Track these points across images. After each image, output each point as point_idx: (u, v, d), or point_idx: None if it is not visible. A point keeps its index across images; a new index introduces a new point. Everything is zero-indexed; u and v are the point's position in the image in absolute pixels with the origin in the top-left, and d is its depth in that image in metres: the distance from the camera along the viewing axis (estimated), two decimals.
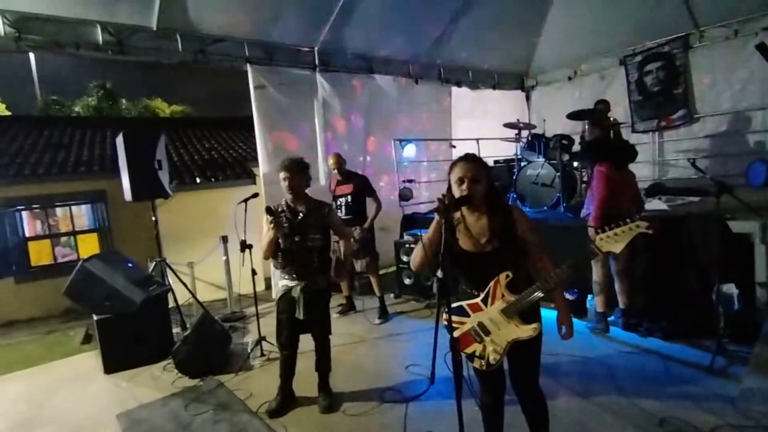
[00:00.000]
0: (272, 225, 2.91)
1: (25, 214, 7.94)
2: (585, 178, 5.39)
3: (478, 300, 2.00)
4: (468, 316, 2.03)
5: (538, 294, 1.89)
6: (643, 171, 6.86)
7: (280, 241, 3.00)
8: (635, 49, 7.14)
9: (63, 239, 8.56)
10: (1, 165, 7.85)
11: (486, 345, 2.00)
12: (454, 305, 2.06)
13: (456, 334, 2.04)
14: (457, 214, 2.06)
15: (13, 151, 8.82)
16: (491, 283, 1.96)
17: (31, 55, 21.88)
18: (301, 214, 3.05)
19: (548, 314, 2.04)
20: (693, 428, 2.53)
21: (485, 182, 2.00)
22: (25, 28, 4.21)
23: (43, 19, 4.28)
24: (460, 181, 1.99)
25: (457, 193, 2.00)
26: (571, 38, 7.58)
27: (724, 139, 6.33)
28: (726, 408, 2.68)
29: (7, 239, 7.49)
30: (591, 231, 3.66)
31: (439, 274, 1.98)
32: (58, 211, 8.42)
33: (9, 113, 19.36)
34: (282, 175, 3.00)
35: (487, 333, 1.99)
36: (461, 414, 2.01)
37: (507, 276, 1.93)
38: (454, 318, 2.05)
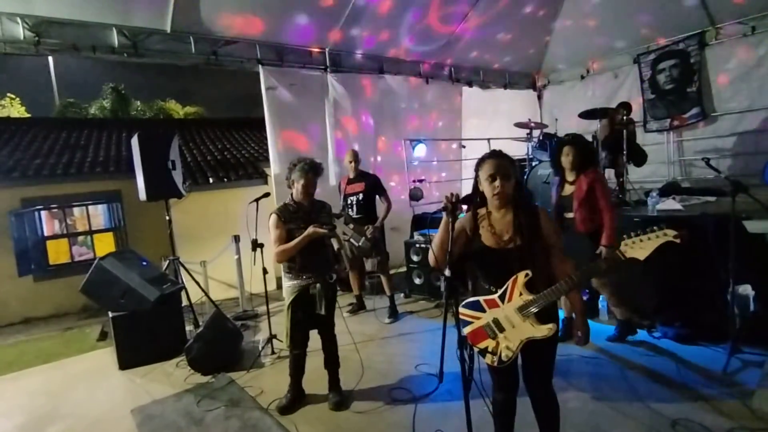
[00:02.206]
0: (316, 231, 2.94)
1: (43, 213, 8.14)
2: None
3: (495, 296, 2.00)
4: (484, 311, 2.03)
5: (556, 295, 1.89)
6: (658, 170, 6.79)
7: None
8: (649, 46, 7.04)
9: (80, 238, 8.76)
10: (21, 166, 8.05)
11: (499, 342, 2.00)
12: (470, 300, 2.07)
13: (470, 328, 2.05)
14: (483, 210, 2.07)
15: (33, 152, 9.04)
16: (509, 281, 1.95)
17: (50, 59, 22.43)
18: (313, 213, 3.09)
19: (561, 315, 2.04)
20: (706, 430, 2.49)
21: (515, 179, 2.01)
22: (44, 32, 4.31)
23: (61, 24, 4.39)
24: (491, 177, 1.98)
25: (488, 190, 2.00)
26: (583, 36, 7.50)
27: (741, 137, 6.20)
28: (740, 410, 2.64)
29: (27, 238, 7.67)
30: (607, 251, 3.32)
31: (447, 272, 1.99)
32: (76, 210, 8.62)
33: (28, 115, 19.83)
34: (310, 179, 3.04)
35: (501, 330, 1.98)
36: (469, 413, 2.02)
37: (526, 275, 1.92)
38: (470, 312, 2.06)
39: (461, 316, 2.06)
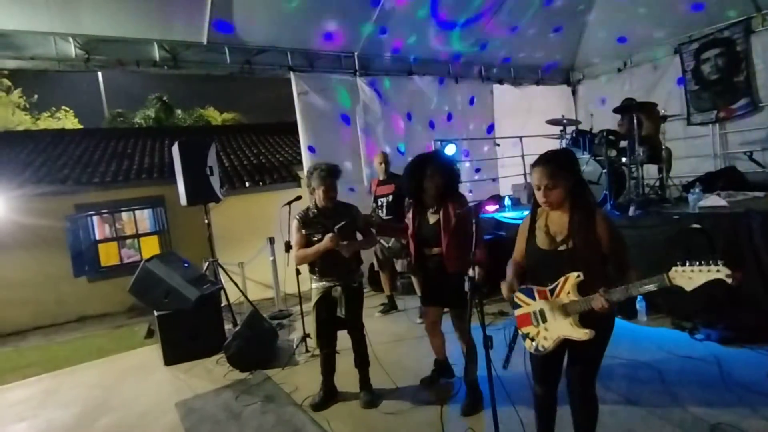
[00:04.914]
0: (332, 241, 2.96)
1: (95, 218, 8.69)
2: (634, 174, 5.14)
3: (546, 289, 2.03)
4: (534, 299, 2.08)
5: (597, 302, 1.84)
6: (701, 165, 6.48)
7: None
8: (692, 36, 6.73)
9: (128, 241, 9.29)
10: (75, 174, 8.62)
11: (540, 331, 2.05)
12: (526, 286, 2.12)
13: (520, 312, 2.13)
14: (541, 209, 2.12)
15: (85, 161, 9.66)
16: (561, 279, 1.96)
17: (99, 73, 23.76)
18: (335, 217, 3.11)
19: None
20: None
21: (564, 185, 1.99)
22: (93, 49, 4.65)
23: (108, 41, 4.71)
24: (537, 188, 2.03)
25: (538, 196, 2.05)
26: (620, 27, 7.28)
27: None
28: None
29: (81, 242, 8.21)
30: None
31: (471, 273, 2.03)
32: (124, 215, 9.15)
33: (81, 126, 21.12)
34: (329, 185, 3.06)
35: (544, 320, 2.04)
36: (496, 413, 2.04)
37: (578, 276, 1.91)
38: (523, 297, 2.12)
39: (516, 300, 2.14)
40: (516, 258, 2.20)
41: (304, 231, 3.12)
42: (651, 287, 1.74)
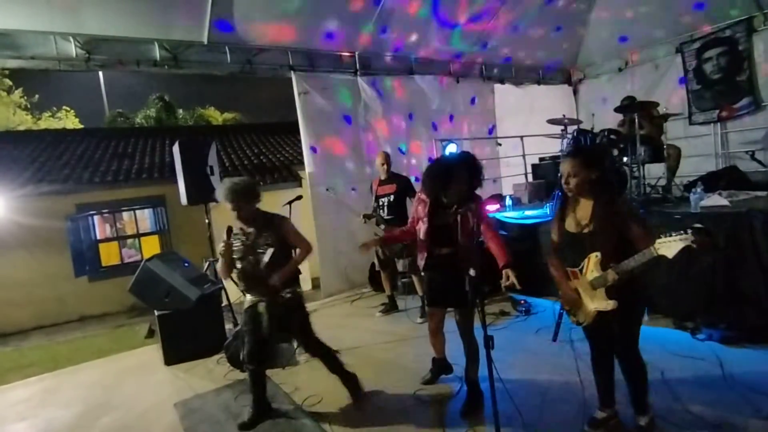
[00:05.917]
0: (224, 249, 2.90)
1: (96, 218, 8.69)
2: (636, 174, 5.12)
3: (577, 269, 2.34)
4: (569, 279, 2.41)
5: (610, 276, 2.15)
6: (704, 164, 6.46)
7: (236, 263, 2.98)
8: (693, 35, 6.72)
9: (129, 241, 9.29)
10: (75, 174, 8.63)
11: (579, 307, 2.38)
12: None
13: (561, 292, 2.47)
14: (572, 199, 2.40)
15: (86, 160, 9.66)
16: (585, 259, 2.27)
17: (100, 73, 23.80)
18: (250, 236, 2.97)
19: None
20: None
21: (585, 175, 2.24)
22: (93, 49, 4.65)
23: (108, 41, 4.71)
24: (562, 177, 2.31)
25: (563, 184, 2.32)
26: (621, 27, 7.28)
27: None
28: None
29: (82, 241, 8.22)
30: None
31: (472, 272, 2.02)
32: (125, 215, 9.15)
33: (81, 126, 21.14)
34: (232, 206, 2.92)
35: (579, 296, 2.36)
36: (496, 412, 2.03)
37: (596, 256, 2.21)
38: None
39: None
40: (555, 241, 2.49)
41: (228, 241, 2.93)
42: (645, 259, 2.03)
